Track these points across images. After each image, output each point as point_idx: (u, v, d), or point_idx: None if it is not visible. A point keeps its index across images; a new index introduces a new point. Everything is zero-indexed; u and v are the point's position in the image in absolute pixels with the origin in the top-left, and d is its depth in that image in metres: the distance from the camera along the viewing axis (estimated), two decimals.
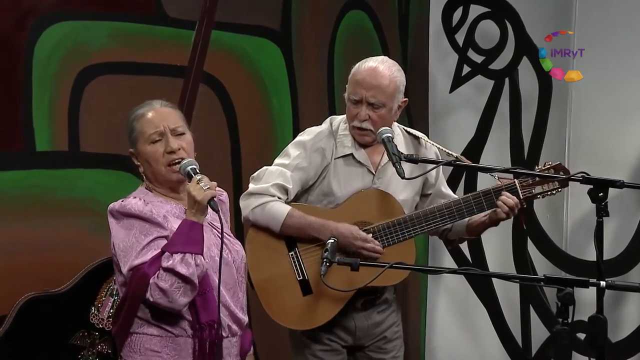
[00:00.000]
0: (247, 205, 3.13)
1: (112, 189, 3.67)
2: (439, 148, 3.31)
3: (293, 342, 3.32)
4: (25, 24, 3.48)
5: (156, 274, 2.53)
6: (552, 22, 4.53)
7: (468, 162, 3.26)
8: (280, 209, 3.10)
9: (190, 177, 2.61)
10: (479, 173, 4.46)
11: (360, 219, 3.14)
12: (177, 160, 2.64)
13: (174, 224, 2.61)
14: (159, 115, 2.68)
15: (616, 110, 4.41)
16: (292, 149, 3.20)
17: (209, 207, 2.57)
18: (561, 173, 3.14)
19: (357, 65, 3.17)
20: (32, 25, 3.49)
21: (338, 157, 3.18)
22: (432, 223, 3.14)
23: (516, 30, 4.59)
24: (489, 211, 3.18)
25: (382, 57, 3.22)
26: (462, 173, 4.59)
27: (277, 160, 3.21)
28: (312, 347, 3.23)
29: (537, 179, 3.15)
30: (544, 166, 3.16)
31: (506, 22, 4.61)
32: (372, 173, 3.19)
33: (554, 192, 3.19)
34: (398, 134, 3.24)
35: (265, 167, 3.19)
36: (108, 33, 3.74)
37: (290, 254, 3.13)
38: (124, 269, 2.58)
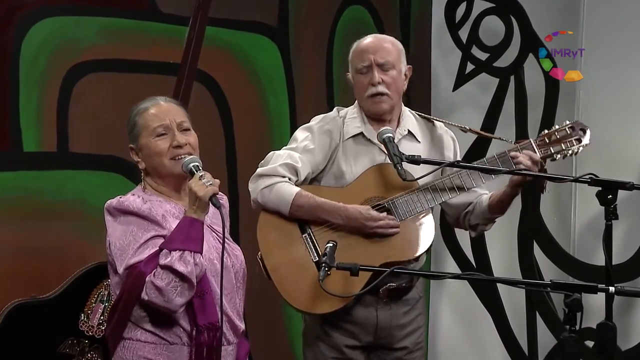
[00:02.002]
0: (255, 187, 3.14)
1: (102, 190, 3.67)
2: (450, 124, 3.34)
3: (306, 339, 3.29)
4: (11, 20, 3.47)
5: (153, 272, 2.53)
6: (559, 19, 4.52)
7: (487, 134, 3.25)
8: (289, 190, 3.10)
9: (192, 174, 2.62)
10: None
11: (371, 195, 3.14)
12: (182, 156, 2.66)
13: (173, 224, 2.62)
14: (164, 109, 2.70)
15: (625, 109, 4.40)
16: (299, 133, 3.24)
17: (211, 204, 2.58)
18: (580, 130, 3.14)
19: (354, 44, 3.25)
20: (19, 21, 3.49)
21: (347, 139, 3.20)
22: (447, 191, 3.13)
23: (522, 26, 4.58)
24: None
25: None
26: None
27: (284, 147, 3.23)
28: (325, 353, 3.20)
29: (552, 147, 3.14)
30: (561, 126, 3.15)
31: (511, 17, 4.61)
32: (384, 152, 3.19)
33: (575, 150, 3.16)
34: (408, 115, 3.27)
35: (272, 152, 3.21)
36: (98, 29, 3.73)
37: (303, 235, 3.12)
38: (120, 268, 2.57)
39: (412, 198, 3.12)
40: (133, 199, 2.63)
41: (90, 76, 3.70)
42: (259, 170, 3.16)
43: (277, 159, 3.15)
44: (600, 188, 2.67)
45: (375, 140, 3.18)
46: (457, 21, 4.79)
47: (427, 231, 3.14)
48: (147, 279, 2.52)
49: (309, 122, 3.28)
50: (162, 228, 2.60)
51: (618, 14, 4.41)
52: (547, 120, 4.54)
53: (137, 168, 2.76)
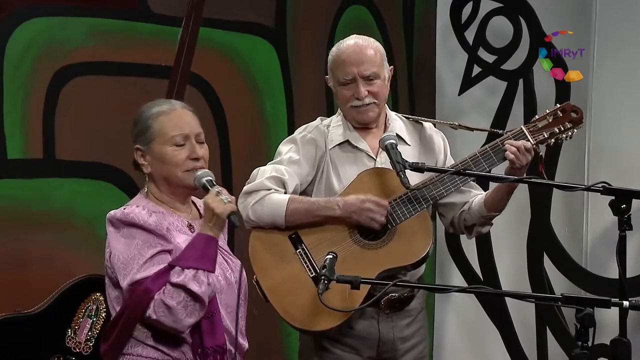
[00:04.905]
0: (245, 205, 3.14)
1: (91, 199, 3.68)
2: (439, 122, 3.37)
3: (303, 357, 3.29)
4: None
5: (162, 290, 2.54)
6: (570, 19, 4.53)
7: (477, 128, 3.27)
8: (280, 198, 3.12)
9: (206, 189, 2.65)
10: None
11: None
12: (196, 169, 2.68)
13: (177, 238, 2.64)
14: (183, 118, 2.72)
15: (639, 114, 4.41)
16: (282, 147, 3.26)
17: (228, 222, 2.61)
18: (572, 113, 3.17)
19: (334, 49, 3.24)
20: (3, 21, 3.50)
21: (333, 147, 3.22)
22: (442, 187, 3.14)
23: (531, 27, 4.59)
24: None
25: (354, 35, 3.28)
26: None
27: (269, 162, 3.25)
28: None
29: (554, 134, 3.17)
30: (552, 109, 3.18)
31: (520, 18, 4.62)
32: (373, 158, 3.21)
33: (569, 133, 3.18)
34: (395, 119, 3.29)
35: (258, 168, 3.23)
36: (86, 30, 3.74)
37: (297, 251, 3.13)
38: (123, 283, 2.57)
39: (407, 199, 3.13)
40: (138, 210, 2.62)
41: (78, 79, 3.71)
42: (245, 188, 3.18)
43: (263, 173, 3.16)
44: (613, 197, 2.67)
45: (362, 147, 3.21)
46: (463, 22, 4.80)
47: (425, 232, 3.14)
48: (155, 296, 2.53)
49: (292, 135, 3.29)
50: (168, 242, 2.61)
51: (632, 15, 4.43)
52: None
53: (138, 172, 2.74)
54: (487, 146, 3.18)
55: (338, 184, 3.19)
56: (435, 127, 3.38)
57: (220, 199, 2.60)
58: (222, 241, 2.77)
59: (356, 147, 3.21)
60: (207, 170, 2.69)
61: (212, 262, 2.58)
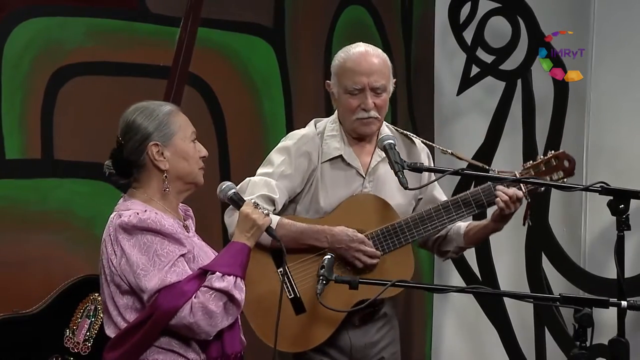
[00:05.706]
0: (232, 222, 3.09)
1: (89, 200, 3.68)
2: (431, 146, 3.37)
3: None
4: None
5: (201, 294, 2.55)
6: (569, 19, 4.54)
7: (469, 160, 3.29)
8: None
9: (234, 201, 2.75)
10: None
11: (352, 227, 3.15)
12: (202, 168, 2.75)
13: (184, 240, 2.64)
14: (187, 118, 2.76)
15: (638, 114, 4.42)
16: (275, 156, 3.22)
17: (268, 234, 2.71)
18: (565, 162, 3.19)
19: (341, 55, 3.19)
20: (2, 21, 3.50)
21: (325, 161, 3.20)
22: (429, 225, 3.15)
23: (529, 27, 4.59)
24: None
25: (360, 42, 3.25)
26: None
27: (260, 170, 3.23)
28: None
29: (543, 167, 3.19)
30: (547, 157, 3.20)
31: (518, 18, 4.62)
32: (362, 176, 3.20)
33: (560, 182, 3.20)
34: (387, 133, 3.25)
35: (248, 179, 3.21)
36: (85, 30, 3.74)
37: (278, 270, 3.12)
38: (147, 287, 2.54)
39: (394, 231, 3.14)
40: (153, 215, 2.60)
41: (76, 80, 3.71)
42: None
43: (253, 188, 3.14)
44: (611, 197, 2.68)
45: (354, 164, 3.19)
46: (461, 22, 4.80)
47: (407, 266, 3.16)
48: (193, 299, 2.54)
49: (286, 139, 3.26)
50: (183, 246, 2.62)
51: (631, 14, 4.43)
52: (556, 125, 4.55)
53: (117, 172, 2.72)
54: (479, 188, 3.19)
55: (324, 201, 3.18)
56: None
57: (260, 212, 2.68)
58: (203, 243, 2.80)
59: (349, 164, 3.20)
60: (229, 182, 2.78)
61: (245, 270, 2.64)
